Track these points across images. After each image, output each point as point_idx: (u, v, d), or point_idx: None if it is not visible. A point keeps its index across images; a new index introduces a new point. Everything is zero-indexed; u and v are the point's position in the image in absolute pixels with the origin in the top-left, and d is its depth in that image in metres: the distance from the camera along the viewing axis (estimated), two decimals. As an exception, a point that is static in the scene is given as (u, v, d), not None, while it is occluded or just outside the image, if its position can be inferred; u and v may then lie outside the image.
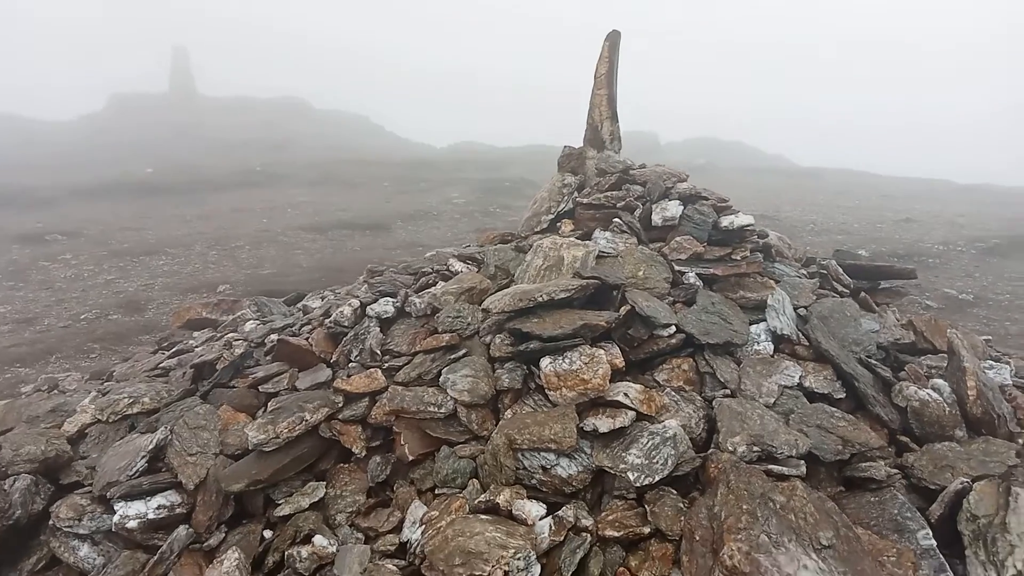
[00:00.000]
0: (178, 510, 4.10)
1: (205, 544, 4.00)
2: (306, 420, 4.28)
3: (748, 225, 5.29)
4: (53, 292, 12.82)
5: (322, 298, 6.80)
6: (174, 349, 6.60)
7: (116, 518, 4.01)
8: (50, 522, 4.20)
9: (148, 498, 4.09)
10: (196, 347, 6.37)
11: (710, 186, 6.12)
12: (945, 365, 4.67)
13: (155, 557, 3.86)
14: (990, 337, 7.22)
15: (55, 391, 7.13)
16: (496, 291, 4.98)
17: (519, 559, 3.24)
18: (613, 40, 5.97)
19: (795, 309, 5.03)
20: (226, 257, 15.19)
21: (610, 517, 3.65)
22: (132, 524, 3.98)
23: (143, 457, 4.27)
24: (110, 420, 4.94)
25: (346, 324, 5.10)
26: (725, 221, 5.30)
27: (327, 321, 5.30)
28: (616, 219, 5.38)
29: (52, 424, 5.22)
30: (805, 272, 5.71)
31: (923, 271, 12.57)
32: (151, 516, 4.02)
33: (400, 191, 25.86)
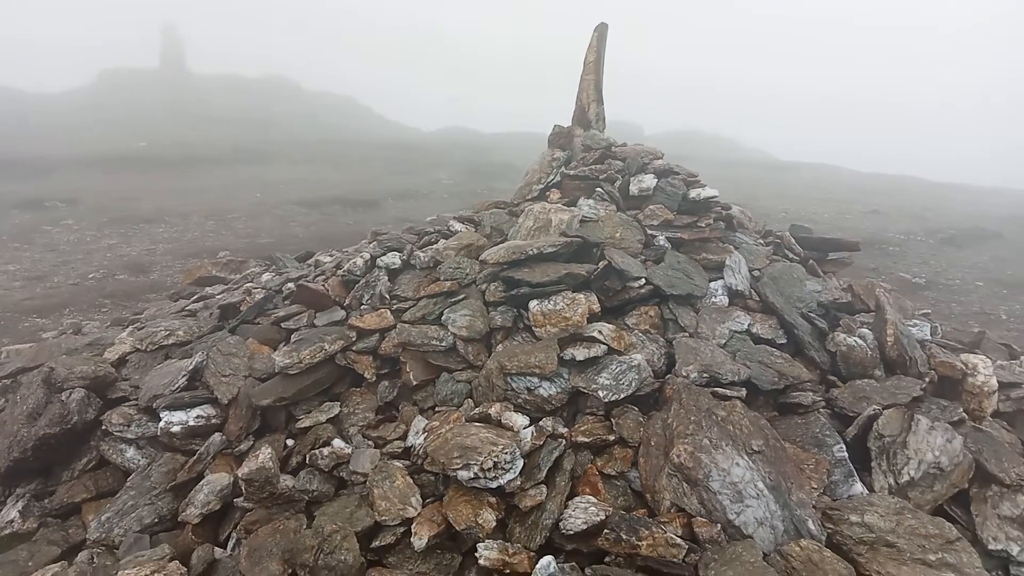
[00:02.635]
0: (213, 421, 4.80)
1: (236, 450, 4.70)
2: (325, 349, 4.99)
3: (713, 197, 6.04)
4: (58, 254, 13.35)
5: (330, 255, 7.46)
6: (195, 296, 7.24)
7: (162, 424, 4.71)
8: (102, 428, 4.90)
9: (189, 409, 4.79)
10: (216, 295, 7.01)
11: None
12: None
13: (194, 457, 4.56)
14: (929, 312, 8.06)
15: (79, 334, 7.74)
16: (491, 248, 5.68)
17: (506, 453, 3.95)
18: (601, 32, 6.68)
19: (750, 271, 5.80)
20: (223, 227, 15.75)
21: (582, 428, 4.39)
22: (175, 429, 4.68)
23: (184, 376, 4.96)
24: (148, 349, 5.61)
25: (358, 273, 5.79)
26: (693, 193, 6.05)
27: (339, 271, 5.98)
28: (598, 189, 6.10)
29: (94, 354, 5.87)
30: (763, 242, 6.48)
31: (882, 258, 13.45)
32: (191, 423, 4.72)
33: (389, 172, 26.46)
